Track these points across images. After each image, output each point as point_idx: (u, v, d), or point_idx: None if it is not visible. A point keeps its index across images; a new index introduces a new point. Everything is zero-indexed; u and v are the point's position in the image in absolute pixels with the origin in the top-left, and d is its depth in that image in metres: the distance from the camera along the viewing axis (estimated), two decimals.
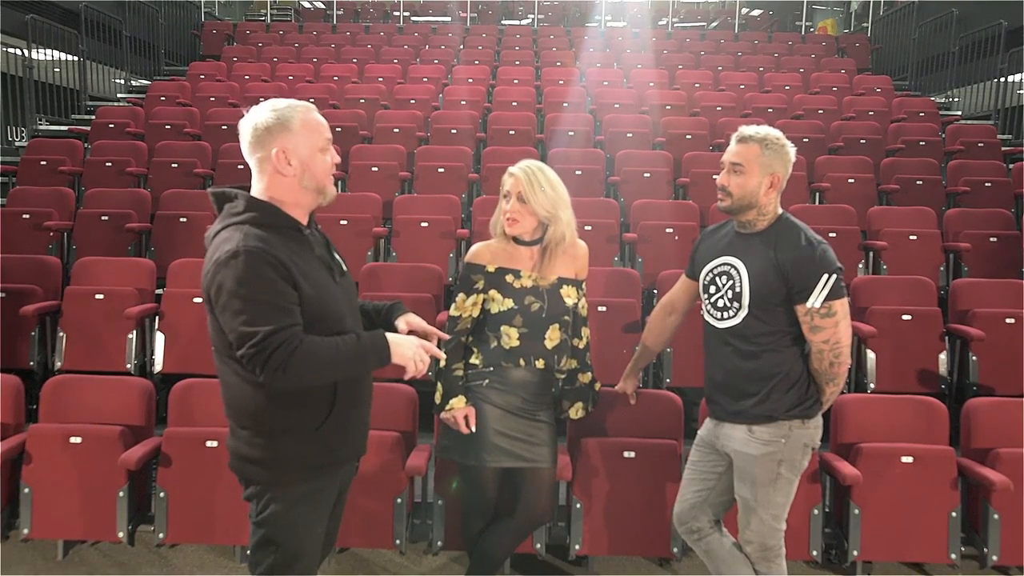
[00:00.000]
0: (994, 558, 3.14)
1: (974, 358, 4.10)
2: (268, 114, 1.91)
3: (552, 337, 2.57)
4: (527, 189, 2.50)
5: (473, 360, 2.59)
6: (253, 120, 1.92)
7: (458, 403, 2.55)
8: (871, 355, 4.13)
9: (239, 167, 5.84)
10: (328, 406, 1.96)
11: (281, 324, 1.81)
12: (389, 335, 1.96)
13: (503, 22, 13.30)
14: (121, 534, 3.17)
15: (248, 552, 2.00)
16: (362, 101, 7.51)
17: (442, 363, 2.56)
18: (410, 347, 1.96)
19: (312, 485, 1.99)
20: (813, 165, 6.15)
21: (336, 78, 8.47)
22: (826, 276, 2.34)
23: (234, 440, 1.99)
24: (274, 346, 1.79)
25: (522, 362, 2.55)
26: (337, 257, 2.08)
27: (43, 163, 6.13)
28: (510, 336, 2.54)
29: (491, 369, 2.56)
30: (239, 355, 1.83)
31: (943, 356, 4.16)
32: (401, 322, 2.18)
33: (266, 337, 1.79)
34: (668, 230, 5.02)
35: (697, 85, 8.39)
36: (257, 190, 1.94)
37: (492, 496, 2.70)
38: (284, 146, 1.90)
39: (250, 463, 1.96)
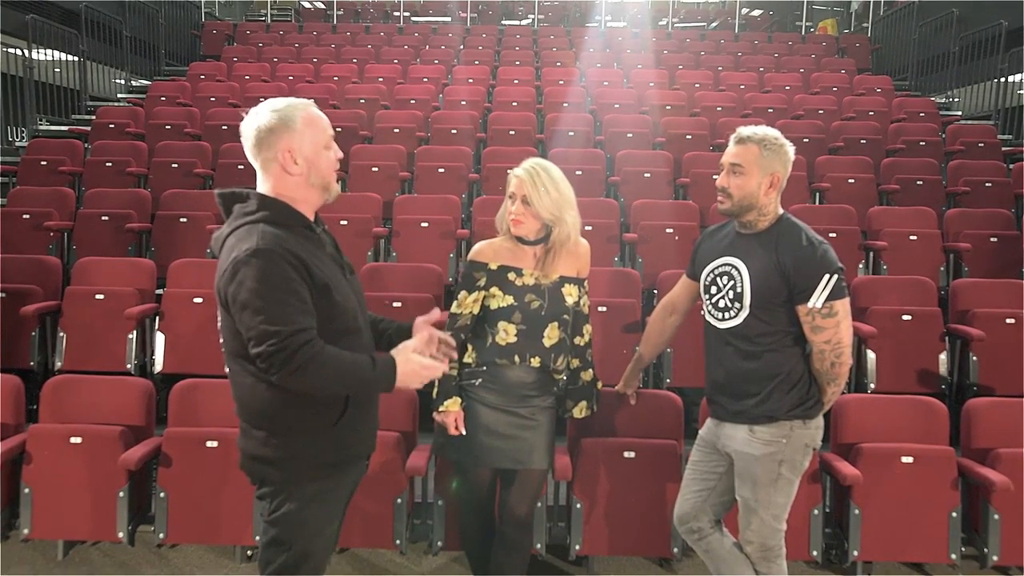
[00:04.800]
0: (994, 558, 3.15)
1: (974, 358, 4.10)
2: (269, 115, 1.91)
3: (551, 336, 2.55)
4: (531, 192, 2.49)
5: (467, 359, 2.58)
6: (255, 122, 1.92)
7: (452, 405, 2.54)
8: (871, 355, 4.13)
9: (239, 167, 5.89)
10: (342, 404, 1.96)
11: (303, 325, 1.80)
12: (399, 362, 1.92)
13: (503, 22, 13.28)
14: (121, 534, 3.18)
15: (259, 551, 2.00)
16: (362, 101, 7.51)
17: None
18: (414, 374, 1.93)
19: (324, 484, 1.98)
20: (813, 165, 6.15)
21: (336, 78, 8.47)
22: (827, 276, 2.33)
23: (246, 440, 1.97)
24: (296, 346, 1.78)
25: (517, 359, 2.53)
26: (345, 257, 2.09)
27: (43, 163, 6.13)
28: (507, 332, 2.52)
29: (484, 368, 2.55)
30: (256, 352, 1.80)
31: (943, 356, 4.16)
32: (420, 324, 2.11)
33: (289, 336, 1.77)
34: (668, 230, 5.02)
35: (697, 85, 8.38)
36: (265, 190, 1.95)
37: (487, 495, 2.70)
38: (289, 146, 1.90)
39: (264, 463, 1.95)
